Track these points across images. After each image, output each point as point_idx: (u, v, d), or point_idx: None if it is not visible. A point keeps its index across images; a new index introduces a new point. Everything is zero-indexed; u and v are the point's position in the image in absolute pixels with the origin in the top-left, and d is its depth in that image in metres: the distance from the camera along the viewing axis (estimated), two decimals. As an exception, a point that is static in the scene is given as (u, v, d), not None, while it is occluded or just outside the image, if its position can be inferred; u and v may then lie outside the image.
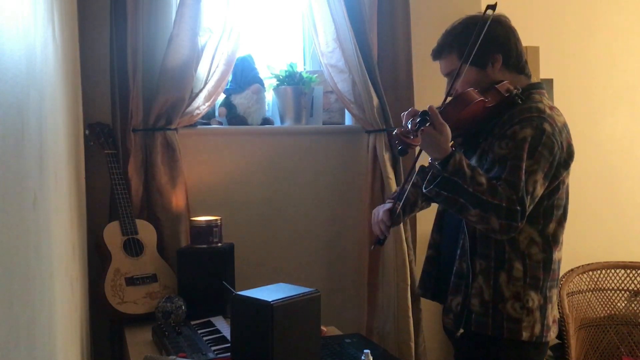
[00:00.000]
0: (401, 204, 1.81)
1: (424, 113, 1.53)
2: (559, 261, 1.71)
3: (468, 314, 1.67)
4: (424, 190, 1.62)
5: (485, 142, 1.67)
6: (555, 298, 1.70)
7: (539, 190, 1.58)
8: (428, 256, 1.90)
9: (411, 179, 1.82)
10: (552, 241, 1.66)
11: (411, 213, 2.00)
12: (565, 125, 1.67)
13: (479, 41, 1.63)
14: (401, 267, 2.62)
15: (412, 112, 1.61)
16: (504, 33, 1.72)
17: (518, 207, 1.51)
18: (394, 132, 1.54)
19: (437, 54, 1.78)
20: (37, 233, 0.87)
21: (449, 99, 1.70)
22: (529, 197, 1.54)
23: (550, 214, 1.64)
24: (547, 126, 1.59)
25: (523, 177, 1.54)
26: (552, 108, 1.66)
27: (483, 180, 1.53)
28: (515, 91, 1.66)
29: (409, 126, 1.53)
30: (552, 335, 1.69)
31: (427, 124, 1.51)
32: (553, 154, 1.58)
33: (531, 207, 1.57)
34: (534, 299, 1.63)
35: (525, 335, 1.62)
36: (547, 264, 1.65)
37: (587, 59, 3.37)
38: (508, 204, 1.51)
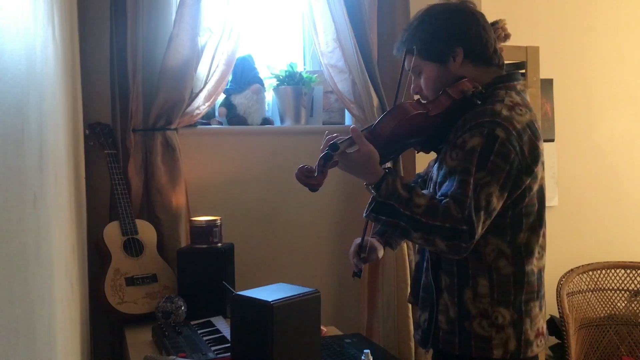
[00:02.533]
0: (369, 238, 1.78)
1: (332, 146, 1.43)
2: (539, 271, 1.56)
3: (436, 331, 1.58)
4: (364, 216, 1.52)
5: (443, 149, 1.55)
6: (536, 311, 1.56)
7: (496, 204, 1.44)
8: (417, 262, 1.76)
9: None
10: (524, 252, 1.52)
11: (402, 242, 1.91)
12: (529, 125, 1.49)
13: (435, 36, 1.53)
14: (401, 267, 2.62)
15: (330, 138, 1.50)
16: (463, 23, 1.56)
17: (464, 227, 1.39)
18: (295, 173, 1.45)
19: (397, 51, 1.67)
20: (37, 233, 0.87)
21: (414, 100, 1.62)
22: (481, 212, 1.41)
23: (518, 223, 1.51)
24: (500, 132, 1.43)
25: (471, 193, 1.40)
26: (512, 107, 1.48)
27: (422, 201, 1.42)
28: (472, 91, 1.51)
29: (317, 163, 1.44)
30: (535, 350, 1.56)
31: (332, 161, 1.43)
32: (509, 162, 1.43)
33: (488, 222, 1.44)
34: (505, 315, 1.51)
35: (497, 353, 1.50)
36: (519, 277, 1.52)
37: (587, 59, 3.37)
38: (452, 224, 1.39)
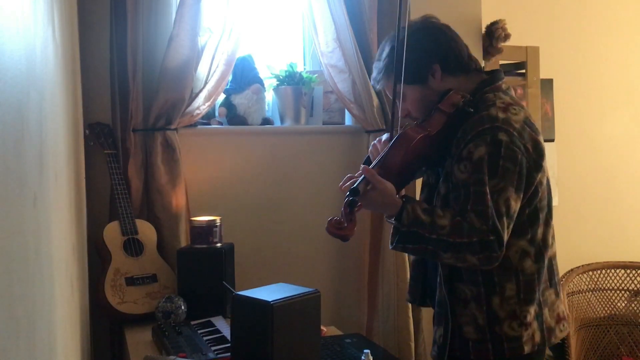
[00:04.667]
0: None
1: (354, 192, 1.45)
2: (550, 260, 1.60)
3: (463, 343, 1.56)
4: (390, 248, 1.54)
5: (448, 163, 1.56)
6: (552, 298, 1.59)
7: (515, 206, 1.46)
8: (414, 261, 1.79)
9: None
10: (542, 247, 1.56)
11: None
12: (525, 122, 1.51)
13: (407, 59, 1.51)
14: (401, 267, 2.62)
15: (350, 179, 1.55)
16: (432, 40, 1.59)
17: (492, 237, 1.41)
18: (326, 228, 1.48)
19: (376, 82, 1.68)
20: (37, 233, 0.87)
21: (406, 124, 1.62)
22: (504, 218, 1.43)
23: (535, 219, 1.54)
24: (502, 136, 1.45)
25: (490, 203, 1.43)
26: (506, 108, 1.50)
27: (445, 222, 1.44)
28: (462, 101, 1.52)
29: (342, 211, 1.47)
30: (559, 335, 1.59)
31: (359, 204, 1.46)
32: (517, 163, 1.46)
33: (511, 226, 1.47)
34: (531, 312, 1.54)
35: (527, 349, 1.54)
36: (540, 272, 1.56)
37: (587, 59, 3.37)
38: (480, 237, 1.41)
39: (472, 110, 1.52)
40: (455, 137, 1.53)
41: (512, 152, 1.46)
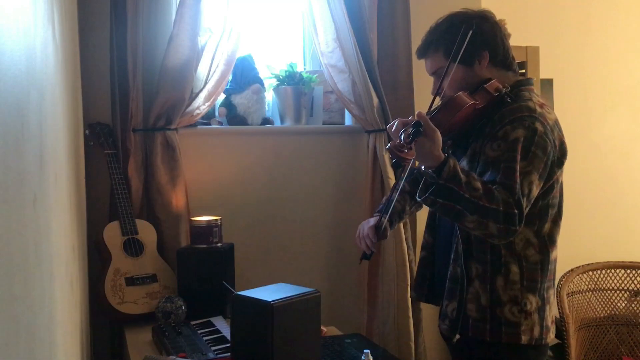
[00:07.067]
0: (387, 216, 1.80)
1: (417, 124, 1.47)
2: (555, 261, 1.67)
3: (465, 319, 1.64)
4: (418, 199, 1.57)
5: (476, 143, 1.63)
6: (552, 298, 1.67)
7: (535, 191, 1.55)
8: (422, 258, 1.86)
9: (397, 191, 1.78)
10: (548, 241, 1.63)
11: (399, 222, 1.98)
12: (556, 122, 1.63)
13: (466, 39, 1.61)
14: (401, 267, 2.62)
15: (402, 122, 1.57)
16: (490, 29, 1.69)
17: (515, 211, 1.48)
18: (388, 146, 1.52)
19: (422, 52, 1.75)
20: (37, 233, 0.87)
21: (438, 103, 1.67)
22: (525, 198, 1.50)
23: (545, 213, 1.61)
24: (539, 125, 1.55)
25: (519, 180, 1.50)
26: (542, 106, 1.62)
27: (479, 185, 1.49)
28: (504, 90, 1.62)
29: (402, 138, 1.49)
30: (551, 336, 1.65)
31: (420, 135, 1.48)
32: (546, 153, 1.55)
33: (527, 208, 1.53)
34: (532, 302, 1.61)
35: (524, 338, 1.59)
36: (544, 265, 1.62)
37: (586, 59, 3.37)
38: (505, 208, 1.47)
39: (509, 100, 1.61)
40: (490, 120, 1.61)
41: (544, 142, 1.55)
